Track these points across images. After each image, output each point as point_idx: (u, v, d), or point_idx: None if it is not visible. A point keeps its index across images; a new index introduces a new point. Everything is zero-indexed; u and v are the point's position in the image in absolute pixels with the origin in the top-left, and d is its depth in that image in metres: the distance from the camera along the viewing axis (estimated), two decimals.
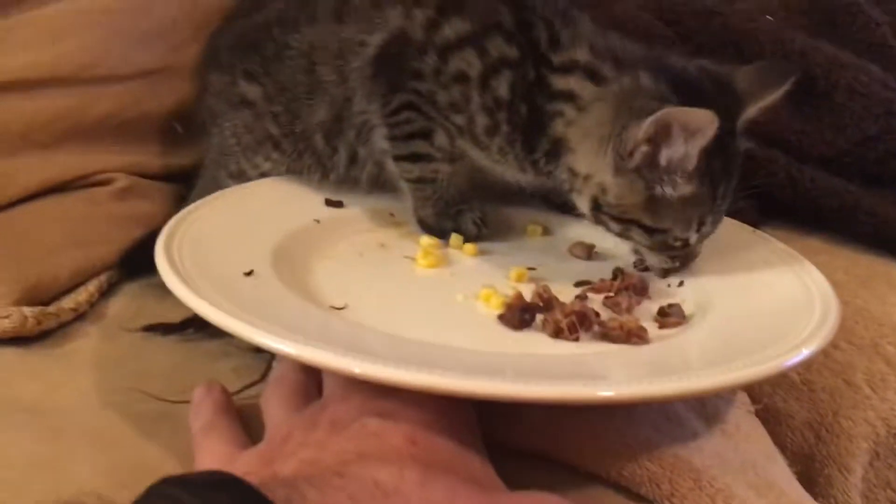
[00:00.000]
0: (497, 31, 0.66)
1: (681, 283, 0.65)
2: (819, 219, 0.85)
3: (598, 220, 0.65)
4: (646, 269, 0.67)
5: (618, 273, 0.66)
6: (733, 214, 0.70)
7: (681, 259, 0.65)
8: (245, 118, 0.77)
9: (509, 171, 0.70)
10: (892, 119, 0.88)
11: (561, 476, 0.51)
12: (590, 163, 0.63)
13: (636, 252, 0.67)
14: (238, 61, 0.77)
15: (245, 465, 0.45)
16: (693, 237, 0.63)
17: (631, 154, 0.60)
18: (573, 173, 0.65)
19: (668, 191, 0.60)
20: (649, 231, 0.63)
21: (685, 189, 0.60)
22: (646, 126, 0.58)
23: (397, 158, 0.71)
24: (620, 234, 0.64)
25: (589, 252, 0.71)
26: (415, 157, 0.71)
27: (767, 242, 0.70)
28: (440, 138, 0.69)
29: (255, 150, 0.77)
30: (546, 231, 0.75)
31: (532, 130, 0.66)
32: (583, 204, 0.65)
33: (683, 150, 0.58)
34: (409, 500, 0.39)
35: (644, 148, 0.59)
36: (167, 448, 0.52)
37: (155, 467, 0.49)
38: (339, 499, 0.37)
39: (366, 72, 0.70)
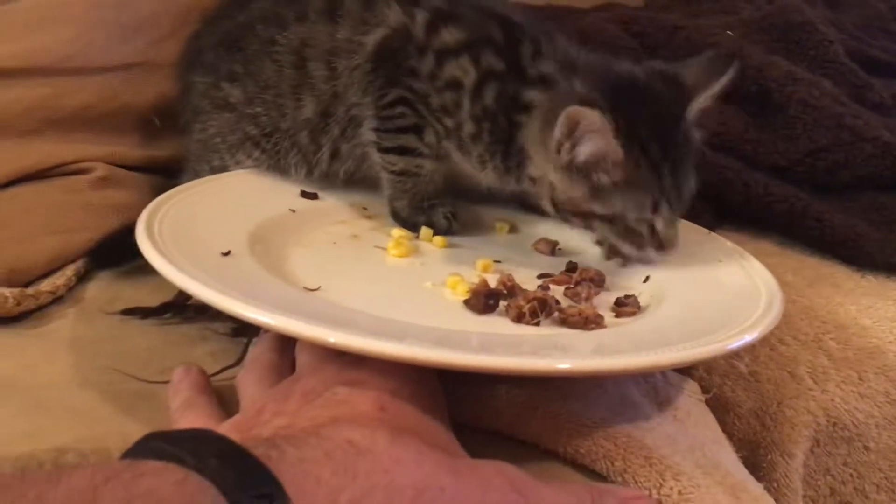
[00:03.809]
0: (488, 44, 0.68)
1: (646, 279, 0.67)
2: (770, 223, 0.88)
3: (564, 219, 0.68)
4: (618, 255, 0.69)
5: (574, 266, 0.68)
6: (691, 217, 0.74)
7: (654, 245, 0.66)
8: (228, 119, 0.77)
9: (489, 180, 0.72)
10: (842, 132, 0.92)
11: (520, 451, 0.53)
12: (538, 165, 0.67)
13: (605, 243, 0.69)
14: (221, 62, 0.77)
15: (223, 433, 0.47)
16: (656, 221, 0.65)
17: (558, 152, 0.63)
18: (531, 179, 0.68)
19: (604, 178, 0.63)
20: (607, 220, 0.65)
21: (618, 175, 0.63)
22: (558, 126, 0.61)
23: (384, 150, 0.73)
24: (586, 228, 0.67)
25: (552, 248, 0.73)
26: (402, 150, 0.72)
27: (721, 243, 0.73)
28: (430, 136, 0.71)
29: (238, 148, 0.77)
30: (513, 228, 0.78)
31: (509, 143, 0.68)
32: (548, 207, 0.68)
33: (596, 145, 0.61)
34: (380, 459, 0.41)
35: (566, 145, 0.63)
36: (146, 424, 0.52)
37: (134, 440, 0.50)
38: (316, 455, 0.39)
39: (365, 67, 0.71)
